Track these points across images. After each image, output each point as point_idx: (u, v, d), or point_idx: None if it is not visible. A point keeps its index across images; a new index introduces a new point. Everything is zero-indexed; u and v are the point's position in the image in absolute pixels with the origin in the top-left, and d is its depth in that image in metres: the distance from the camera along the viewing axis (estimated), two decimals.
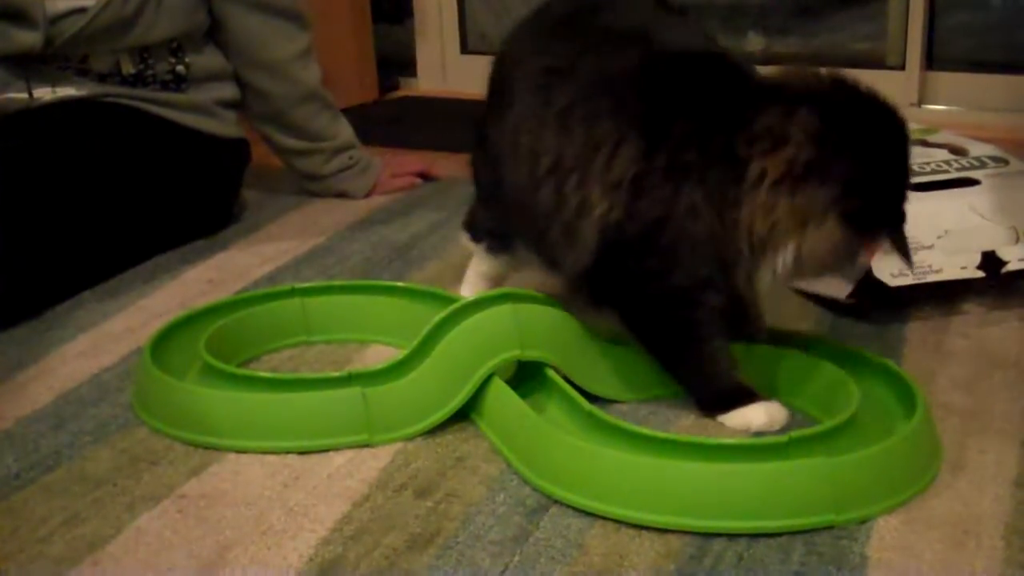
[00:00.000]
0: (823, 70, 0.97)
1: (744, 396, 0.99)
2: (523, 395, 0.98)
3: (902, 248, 0.95)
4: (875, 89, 0.96)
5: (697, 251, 0.95)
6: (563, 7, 1.08)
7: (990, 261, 1.18)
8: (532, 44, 1.07)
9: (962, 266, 1.18)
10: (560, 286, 1.07)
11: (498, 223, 1.13)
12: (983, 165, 1.28)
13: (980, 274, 1.18)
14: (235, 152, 1.62)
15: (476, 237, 1.18)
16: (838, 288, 1.20)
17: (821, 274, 1.03)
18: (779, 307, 1.23)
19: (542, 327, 1.01)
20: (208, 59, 1.54)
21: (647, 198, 0.94)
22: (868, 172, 0.92)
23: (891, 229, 0.94)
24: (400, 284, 1.23)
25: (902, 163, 0.95)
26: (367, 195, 1.73)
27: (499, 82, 1.10)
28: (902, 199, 0.95)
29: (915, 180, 1.23)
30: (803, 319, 1.21)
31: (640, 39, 1.00)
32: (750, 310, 1.05)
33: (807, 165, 0.91)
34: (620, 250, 0.97)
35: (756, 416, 0.97)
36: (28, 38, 1.38)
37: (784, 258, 0.93)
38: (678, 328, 1.00)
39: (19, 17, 1.39)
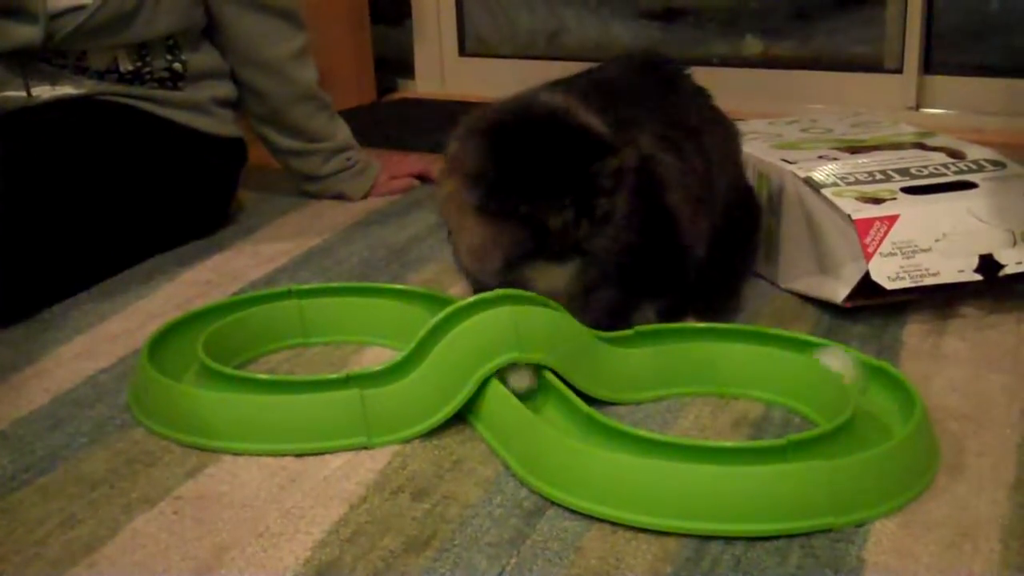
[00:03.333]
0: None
1: None
2: (520, 397, 0.97)
3: (538, 224, 0.99)
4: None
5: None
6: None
7: (987, 264, 1.19)
8: None
9: (959, 269, 1.18)
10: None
11: None
12: (981, 169, 1.28)
13: (977, 277, 1.18)
14: (232, 151, 1.62)
15: None
16: (835, 291, 1.20)
17: (493, 264, 1.05)
18: (777, 310, 1.24)
19: (540, 329, 1.01)
20: (204, 57, 1.54)
21: None
22: (485, 167, 1.00)
23: (526, 208, 0.99)
24: (398, 286, 1.23)
25: (518, 152, 1.00)
26: (365, 196, 1.73)
27: None
28: (531, 179, 0.99)
29: (913, 183, 1.24)
30: (800, 322, 1.21)
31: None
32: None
33: (446, 173, 1.05)
34: None
35: None
36: (28, 33, 1.38)
37: (461, 253, 1.07)
38: None
39: (19, 12, 1.38)
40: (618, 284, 1.09)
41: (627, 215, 1.03)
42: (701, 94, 1.21)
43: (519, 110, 1.05)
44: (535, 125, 1.02)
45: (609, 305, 1.10)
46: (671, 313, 1.14)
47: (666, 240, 1.09)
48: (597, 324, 1.07)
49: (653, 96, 1.14)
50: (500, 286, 1.02)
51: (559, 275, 1.05)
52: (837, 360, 1.01)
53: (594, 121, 1.03)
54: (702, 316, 1.14)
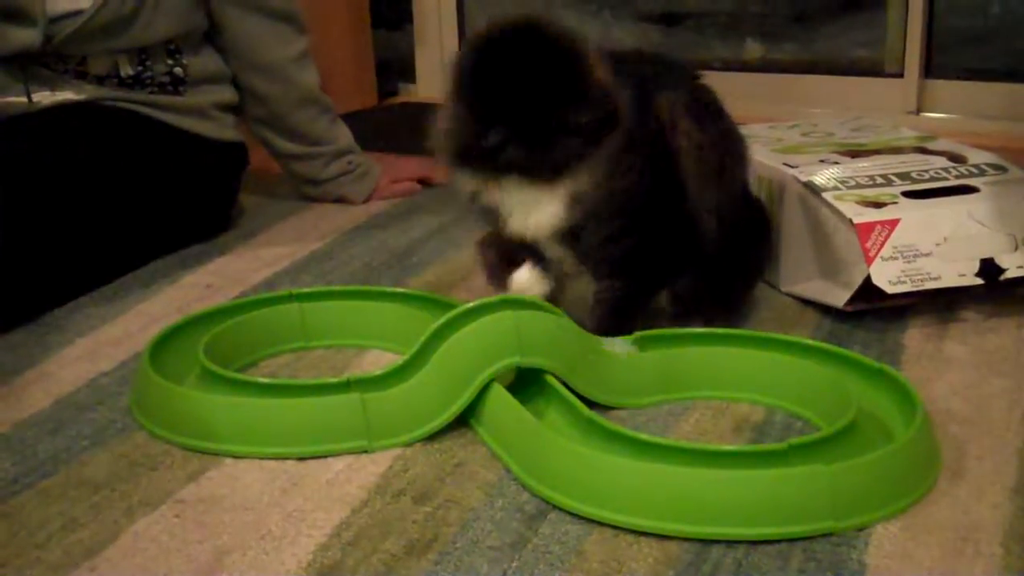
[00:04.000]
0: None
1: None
2: (522, 401, 0.97)
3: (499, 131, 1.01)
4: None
5: None
6: None
7: (989, 268, 1.19)
8: None
9: (961, 273, 1.18)
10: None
11: None
12: (982, 173, 1.28)
13: (979, 281, 1.18)
14: (233, 156, 1.62)
15: None
16: (836, 295, 1.20)
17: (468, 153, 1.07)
18: (778, 314, 1.24)
19: (542, 333, 1.01)
20: (205, 61, 1.54)
21: None
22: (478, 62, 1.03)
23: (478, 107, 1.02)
24: (399, 289, 1.23)
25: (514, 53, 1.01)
26: (366, 200, 1.73)
27: None
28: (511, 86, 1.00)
29: (914, 187, 1.24)
30: (801, 326, 1.21)
31: None
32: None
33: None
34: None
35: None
36: (27, 36, 1.38)
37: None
38: None
39: (18, 15, 1.39)
40: (625, 272, 1.09)
41: (621, 167, 1.04)
42: (711, 93, 1.20)
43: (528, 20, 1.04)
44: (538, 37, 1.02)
45: (614, 302, 1.10)
46: (685, 301, 1.14)
47: (674, 209, 1.09)
48: (601, 326, 1.08)
49: (677, 77, 1.14)
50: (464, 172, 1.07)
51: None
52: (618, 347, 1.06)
53: (602, 69, 1.03)
54: (708, 321, 1.13)
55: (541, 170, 1.03)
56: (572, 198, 1.05)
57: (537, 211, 1.06)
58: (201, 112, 1.54)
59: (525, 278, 1.10)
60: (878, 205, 1.20)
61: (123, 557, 0.83)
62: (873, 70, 2.24)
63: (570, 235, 1.07)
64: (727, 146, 1.13)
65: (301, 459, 0.96)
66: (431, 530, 0.85)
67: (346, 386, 0.98)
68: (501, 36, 1.02)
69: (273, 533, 0.86)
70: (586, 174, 1.04)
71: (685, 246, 1.11)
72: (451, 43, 2.59)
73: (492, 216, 1.09)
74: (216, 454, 0.97)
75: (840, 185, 1.24)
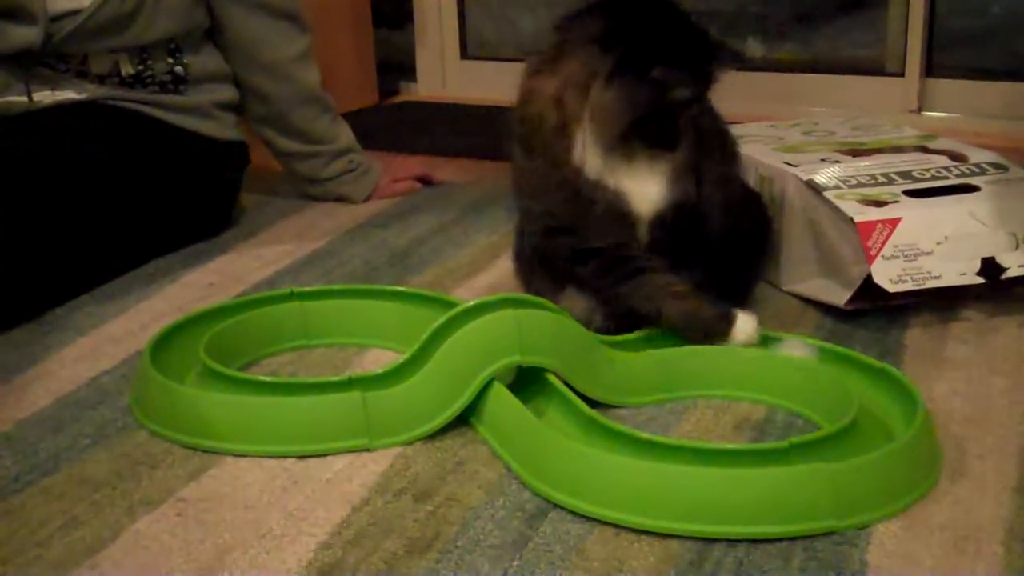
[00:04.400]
0: None
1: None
2: (523, 400, 0.97)
3: (681, 82, 1.02)
4: None
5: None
6: None
7: (990, 267, 1.19)
8: None
9: (962, 272, 1.18)
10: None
11: None
12: (983, 172, 1.28)
13: (980, 280, 1.18)
14: (234, 155, 1.62)
15: None
16: (837, 294, 1.20)
17: (617, 126, 1.04)
18: (779, 313, 1.24)
19: (542, 332, 1.01)
20: (206, 60, 1.54)
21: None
22: (617, 29, 1.01)
23: (665, 66, 1.00)
24: (400, 288, 1.23)
25: (655, 14, 1.03)
26: (367, 199, 1.73)
27: None
28: (670, 43, 1.02)
29: (915, 186, 1.24)
30: (802, 325, 1.21)
31: None
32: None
33: (561, 47, 1.04)
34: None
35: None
36: (28, 35, 1.38)
37: (587, 126, 1.03)
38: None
39: (19, 14, 1.39)
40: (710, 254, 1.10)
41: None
42: None
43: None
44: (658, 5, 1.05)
45: (712, 287, 1.09)
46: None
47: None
48: (727, 308, 1.08)
49: None
50: (613, 154, 1.03)
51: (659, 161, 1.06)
52: (799, 350, 1.03)
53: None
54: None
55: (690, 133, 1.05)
56: (683, 169, 1.06)
57: (655, 184, 1.06)
58: (202, 111, 1.54)
59: (752, 327, 1.07)
60: (879, 204, 1.20)
61: (124, 555, 0.83)
62: (874, 69, 2.24)
63: (680, 212, 1.07)
64: (725, 140, 1.15)
65: (302, 458, 0.96)
66: (432, 529, 0.85)
67: (347, 384, 0.98)
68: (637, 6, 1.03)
69: (274, 532, 0.86)
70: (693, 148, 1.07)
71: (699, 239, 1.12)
72: (452, 42, 2.59)
73: (599, 203, 1.05)
74: (217, 452, 0.97)
75: (841, 184, 1.24)
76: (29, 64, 1.41)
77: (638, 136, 1.03)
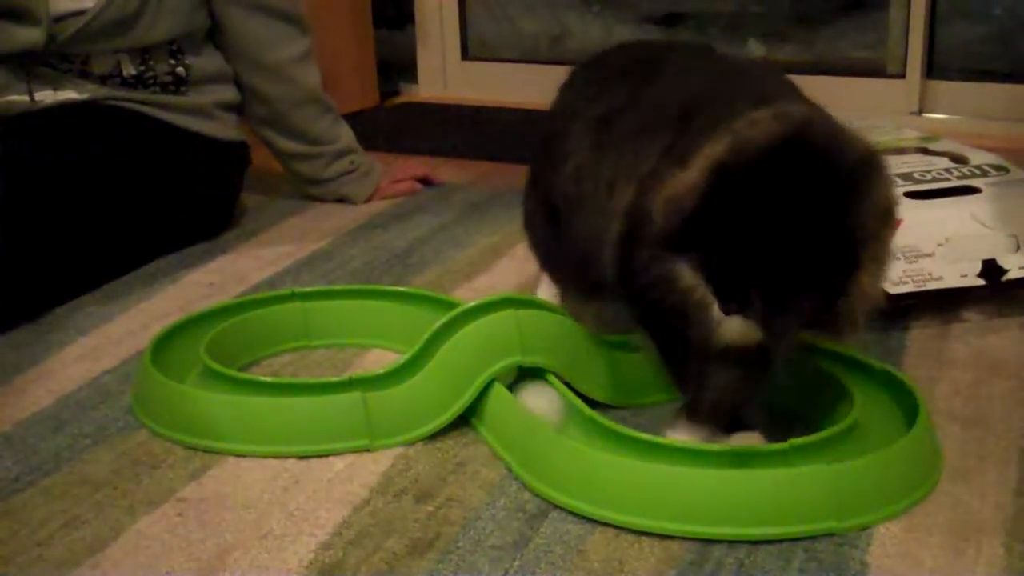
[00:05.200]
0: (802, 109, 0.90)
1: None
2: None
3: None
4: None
5: None
6: (619, 59, 1.08)
7: (991, 269, 1.19)
8: (587, 94, 1.05)
9: (963, 274, 1.18)
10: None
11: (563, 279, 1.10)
12: (984, 173, 1.28)
13: (981, 282, 1.18)
14: (235, 155, 1.62)
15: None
16: None
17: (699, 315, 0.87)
18: None
19: (543, 332, 1.01)
20: (208, 61, 1.54)
21: (657, 182, 0.85)
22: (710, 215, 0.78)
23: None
24: (401, 289, 1.23)
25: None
26: (368, 200, 1.73)
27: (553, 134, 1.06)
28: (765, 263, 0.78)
29: (916, 188, 1.24)
30: None
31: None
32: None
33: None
34: (630, 239, 0.88)
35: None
36: (30, 35, 1.39)
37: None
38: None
39: (21, 15, 1.39)
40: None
41: None
42: None
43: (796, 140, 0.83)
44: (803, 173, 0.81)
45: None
46: None
47: None
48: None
49: None
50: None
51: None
52: (541, 399, 0.98)
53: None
54: None
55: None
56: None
57: None
58: (203, 112, 1.54)
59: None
60: None
61: (125, 555, 0.83)
62: (875, 71, 2.23)
63: None
64: None
65: (303, 458, 0.96)
66: (432, 529, 0.86)
67: (348, 385, 0.98)
68: (758, 160, 0.79)
69: (275, 532, 0.86)
70: None
71: None
72: (453, 43, 2.59)
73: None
74: (218, 452, 0.97)
75: None
76: (31, 64, 1.41)
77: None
